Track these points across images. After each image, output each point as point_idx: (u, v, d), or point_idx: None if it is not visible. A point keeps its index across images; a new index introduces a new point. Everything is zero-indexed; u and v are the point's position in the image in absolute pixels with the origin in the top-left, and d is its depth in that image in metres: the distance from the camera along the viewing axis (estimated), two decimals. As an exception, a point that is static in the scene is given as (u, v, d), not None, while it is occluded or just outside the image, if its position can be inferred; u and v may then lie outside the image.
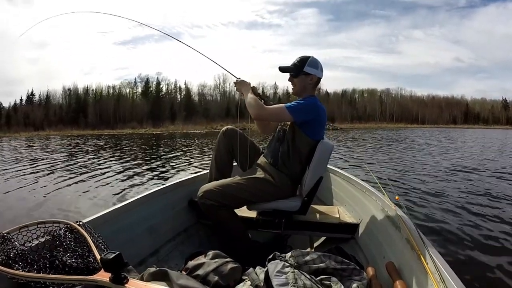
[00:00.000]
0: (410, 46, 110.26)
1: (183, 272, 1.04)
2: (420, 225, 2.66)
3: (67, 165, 7.11)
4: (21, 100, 53.28)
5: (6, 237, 0.90)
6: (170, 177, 5.33)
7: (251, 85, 1.60)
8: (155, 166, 6.80)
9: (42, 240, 0.95)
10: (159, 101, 56.00)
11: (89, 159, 8.44)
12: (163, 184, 1.74)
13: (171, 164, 7.07)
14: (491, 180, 4.85)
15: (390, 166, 6.33)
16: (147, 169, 6.25)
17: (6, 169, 6.67)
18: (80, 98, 54.85)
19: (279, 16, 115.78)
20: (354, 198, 1.80)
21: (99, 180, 5.12)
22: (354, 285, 0.88)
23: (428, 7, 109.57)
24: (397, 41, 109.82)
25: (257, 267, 0.94)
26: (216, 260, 1.06)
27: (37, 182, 5.11)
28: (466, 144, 13.28)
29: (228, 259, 1.08)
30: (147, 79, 59.19)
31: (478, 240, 2.39)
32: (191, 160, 7.74)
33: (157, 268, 0.91)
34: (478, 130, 38.35)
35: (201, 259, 1.08)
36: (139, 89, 58.84)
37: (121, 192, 4.22)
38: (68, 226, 1.02)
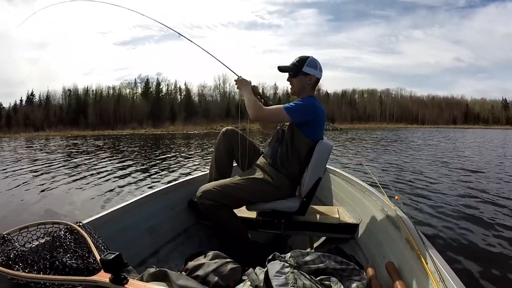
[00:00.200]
0: (410, 46, 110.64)
1: (183, 272, 1.04)
2: (420, 225, 2.66)
3: (66, 166, 7.12)
4: (21, 100, 53.48)
5: (6, 238, 0.91)
6: (170, 177, 5.33)
7: (252, 84, 1.60)
8: (155, 166, 6.80)
9: (42, 241, 0.95)
10: (159, 101, 56.06)
11: (88, 159, 8.45)
12: (163, 185, 1.74)
13: (171, 165, 7.07)
14: (491, 180, 4.85)
15: (390, 166, 6.33)
16: (147, 170, 6.25)
17: (5, 170, 6.67)
18: (80, 98, 54.94)
19: (279, 16, 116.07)
20: (353, 198, 1.80)
21: (98, 181, 5.12)
22: (354, 285, 0.88)
23: (428, 7, 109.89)
24: (397, 41, 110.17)
25: (257, 268, 0.94)
26: (216, 260, 1.06)
27: (36, 182, 5.12)
28: (465, 145, 13.27)
29: (228, 260, 1.08)
30: (147, 79, 59.46)
31: (478, 240, 2.39)
32: (191, 160, 7.74)
33: (157, 269, 0.91)
34: (478, 130, 38.37)
35: (201, 260, 1.08)
36: (139, 90, 59.03)
37: (120, 193, 4.22)
38: (68, 227, 1.02)
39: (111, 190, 4.41)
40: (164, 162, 7.53)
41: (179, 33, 1.81)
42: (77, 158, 9.02)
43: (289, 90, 1.64)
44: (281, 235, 1.62)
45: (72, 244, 0.95)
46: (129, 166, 6.91)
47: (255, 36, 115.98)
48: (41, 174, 6.03)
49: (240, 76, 1.61)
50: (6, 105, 52.37)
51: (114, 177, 5.42)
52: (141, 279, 0.88)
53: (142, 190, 4.39)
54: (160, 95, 58.54)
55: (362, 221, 1.58)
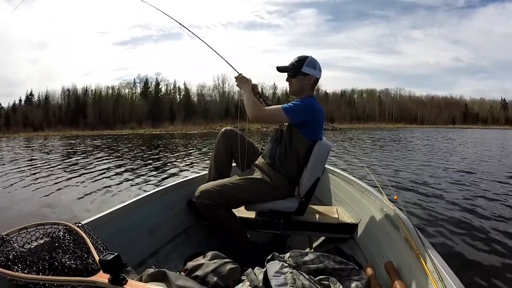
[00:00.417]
0: (409, 46, 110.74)
1: (182, 273, 1.04)
2: (419, 224, 2.67)
3: (65, 166, 7.11)
4: (20, 100, 53.35)
5: (5, 239, 0.90)
6: (170, 177, 5.33)
7: (252, 83, 1.60)
8: (154, 167, 6.79)
9: (41, 241, 0.95)
10: (158, 101, 56.02)
11: (87, 160, 8.43)
12: (162, 185, 1.74)
13: (170, 165, 7.07)
14: (490, 179, 4.86)
15: (389, 166, 6.34)
16: (146, 170, 6.24)
17: (4, 170, 6.65)
18: (79, 98, 54.87)
19: (278, 16, 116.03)
20: (352, 198, 1.80)
21: (97, 181, 5.12)
22: (353, 285, 0.88)
23: (427, 7, 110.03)
24: (396, 41, 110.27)
25: (256, 268, 0.94)
26: (215, 260, 1.06)
27: (35, 183, 5.11)
28: (464, 145, 13.30)
29: (227, 260, 1.08)
30: (146, 79, 59.39)
31: (477, 239, 2.40)
32: (190, 161, 7.73)
33: (156, 269, 0.91)
34: (477, 130, 38.44)
35: (200, 260, 1.08)
36: (138, 90, 58.97)
37: (119, 193, 4.21)
38: (67, 227, 1.02)
39: (110, 191, 4.40)
40: (163, 162, 7.52)
41: (180, 23, 1.78)
42: (76, 158, 9.01)
43: (288, 90, 1.64)
44: (280, 235, 1.62)
45: (71, 244, 0.95)
46: (128, 166, 6.90)
47: (255, 36, 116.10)
48: (40, 174, 6.01)
49: (240, 74, 1.61)
50: (5, 105, 52.34)
51: (113, 177, 5.41)
52: (140, 280, 0.88)
53: (142, 190, 4.39)
54: (159, 95, 58.50)
55: (361, 221, 1.58)
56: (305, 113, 1.43)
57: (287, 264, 0.88)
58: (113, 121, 50.46)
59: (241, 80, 1.58)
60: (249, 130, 1.81)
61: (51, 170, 6.48)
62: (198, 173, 2.10)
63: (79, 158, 9.00)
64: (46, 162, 7.94)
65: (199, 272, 1.01)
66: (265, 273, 0.85)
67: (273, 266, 0.86)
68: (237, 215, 1.57)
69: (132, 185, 4.72)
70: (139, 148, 12.75)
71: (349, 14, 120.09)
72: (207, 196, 1.44)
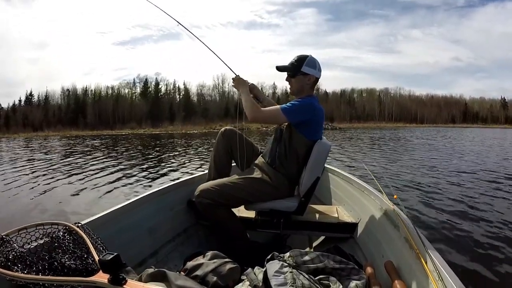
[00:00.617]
0: (409, 46, 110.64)
1: (182, 272, 1.04)
2: (419, 224, 2.66)
3: (64, 166, 7.10)
4: (19, 101, 53.29)
5: (5, 239, 0.90)
6: (169, 177, 5.33)
7: (249, 83, 1.59)
8: (154, 166, 6.80)
9: (41, 242, 0.95)
10: (158, 101, 55.97)
11: (87, 160, 8.43)
12: (161, 185, 1.74)
13: (170, 164, 7.07)
14: (489, 179, 4.86)
15: (389, 165, 6.34)
16: (146, 170, 6.24)
17: (3, 170, 6.65)
18: (79, 98, 54.80)
19: (278, 16, 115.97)
20: (352, 198, 1.80)
21: (97, 181, 5.11)
22: (353, 284, 0.88)
23: (427, 7, 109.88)
24: (396, 41, 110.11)
25: (256, 267, 0.94)
26: (215, 260, 1.06)
27: (35, 183, 5.10)
28: (464, 144, 13.30)
29: (226, 260, 1.08)
30: (146, 79, 59.32)
31: (477, 239, 2.40)
32: (190, 160, 7.73)
33: (156, 269, 0.91)
34: (477, 129, 38.41)
35: (199, 260, 1.08)
36: (138, 90, 58.90)
37: (119, 193, 4.22)
38: (67, 227, 1.02)
39: (110, 191, 4.40)
40: (163, 162, 7.52)
41: (179, 23, 1.78)
42: (75, 158, 9.00)
43: (288, 90, 1.64)
44: (280, 234, 1.62)
45: (70, 244, 0.95)
46: (128, 166, 6.89)
47: (254, 36, 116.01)
48: (40, 174, 6.01)
49: (238, 75, 1.61)
50: (5, 105, 52.30)
51: (113, 178, 5.41)
52: (140, 280, 0.88)
53: (141, 190, 4.39)
54: (159, 95, 58.45)
55: (361, 220, 1.58)
56: (304, 113, 1.43)
57: (287, 264, 0.88)
58: (113, 121, 50.42)
59: (239, 82, 1.58)
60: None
61: (50, 170, 6.47)
62: (198, 172, 2.09)
63: (79, 158, 8.99)
64: (46, 163, 7.94)
65: (199, 272, 1.01)
66: (265, 273, 0.85)
67: (273, 266, 0.86)
68: (237, 214, 1.57)
69: (132, 185, 4.72)
70: (139, 148, 12.74)
71: (348, 14, 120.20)
72: (207, 195, 1.44)
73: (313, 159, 1.46)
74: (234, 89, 1.63)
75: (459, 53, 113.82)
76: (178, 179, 1.93)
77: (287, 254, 0.94)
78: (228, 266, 1.03)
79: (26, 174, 6.06)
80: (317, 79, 1.53)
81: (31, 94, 54.17)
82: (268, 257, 0.93)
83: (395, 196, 1.38)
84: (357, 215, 1.65)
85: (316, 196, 2.19)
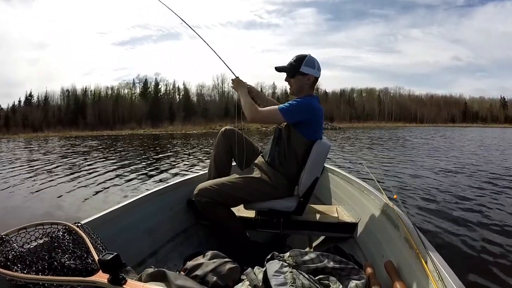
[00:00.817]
0: (408, 45, 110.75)
1: (182, 272, 1.04)
2: (419, 223, 2.66)
3: (64, 166, 7.10)
4: (19, 101, 53.28)
5: (4, 239, 0.90)
6: (169, 177, 5.33)
7: (248, 85, 1.59)
8: (154, 166, 6.79)
9: (41, 241, 0.95)
10: (157, 101, 55.99)
11: (86, 160, 8.43)
12: (161, 185, 1.74)
13: (169, 164, 7.06)
14: (489, 178, 4.86)
15: (388, 165, 6.34)
16: (146, 170, 6.24)
17: (3, 170, 6.65)
18: (79, 99, 54.83)
19: (278, 16, 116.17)
20: (352, 197, 1.80)
21: (96, 181, 5.11)
22: (353, 284, 0.88)
23: (427, 6, 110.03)
24: (396, 41, 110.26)
25: (256, 267, 0.94)
26: (215, 260, 1.06)
27: (34, 183, 5.10)
28: (463, 143, 13.30)
29: (226, 259, 1.08)
30: (146, 79, 59.41)
31: (477, 238, 2.40)
32: (190, 160, 7.73)
33: (155, 269, 0.91)
34: (477, 129, 38.42)
35: (199, 260, 1.08)
36: (138, 90, 58.93)
37: (118, 193, 4.21)
38: (67, 227, 1.02)
39: (109, 191, 4.40)
40: (163, 162, 7.51)
41: (182, 20, 1.77)
42: (75, 158, 9.00)
43: (288, 90, 1.64)
44: (280, 234, 1.62)
45: (70, 244, 0.95)
46: (128, 166, 6.89)
47: (254, 35, 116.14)
48: (39, 174, 6.01)
49: (237, 77, 1.61)
50: (4, 106, 52.29)
51: (113, 178, 5.41)
52: (140, 279, 0.88)
53: (141, 190, 4.38)
54: (159, 95, 58.48)
55: (361, 220, 1.58)
56: (302, 113, 1.43)
57: (286, 264, 0.88)
58: (113, 121, 50.44)
59: (238, 83, 1.59)
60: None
61: (50, 171, 6.47)
62: (198, 172, 2.09)
63: (79, 158, 8.99)
64: (46, 163, 7.93)
65: (198, 272, 1.01)
66: (265, 273, 0.85)
67: (272, 266, 0.86)
68: (236, 214, 1.57)
69: (131, 185, 4.71)
70: (138, 148, 12.74)
71: (348, 14, 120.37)
72: (206, 194, 1.44)
73: (312, 159, 1.46)
74: (232, 88, 1.63)
75: (459, 53, 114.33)
76: (177, 178, 1.93)
77: (287, 254, 0.94)
78: (228, 266, 1.03)
79: (27, 175, 6.05)
80: (316, 79, 1.52)
81: (30, 95, 54.26)
82: (268, 257, 0.93)
83: (395, 196, 1.38)
84: (357, 215, 1.65)
85: (316, 196, 2.18)
